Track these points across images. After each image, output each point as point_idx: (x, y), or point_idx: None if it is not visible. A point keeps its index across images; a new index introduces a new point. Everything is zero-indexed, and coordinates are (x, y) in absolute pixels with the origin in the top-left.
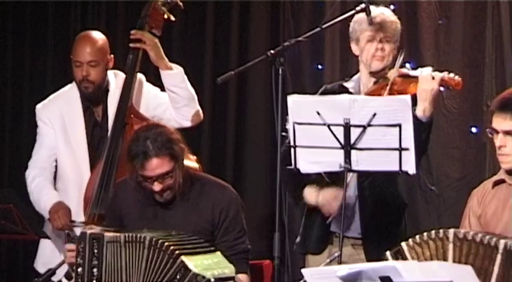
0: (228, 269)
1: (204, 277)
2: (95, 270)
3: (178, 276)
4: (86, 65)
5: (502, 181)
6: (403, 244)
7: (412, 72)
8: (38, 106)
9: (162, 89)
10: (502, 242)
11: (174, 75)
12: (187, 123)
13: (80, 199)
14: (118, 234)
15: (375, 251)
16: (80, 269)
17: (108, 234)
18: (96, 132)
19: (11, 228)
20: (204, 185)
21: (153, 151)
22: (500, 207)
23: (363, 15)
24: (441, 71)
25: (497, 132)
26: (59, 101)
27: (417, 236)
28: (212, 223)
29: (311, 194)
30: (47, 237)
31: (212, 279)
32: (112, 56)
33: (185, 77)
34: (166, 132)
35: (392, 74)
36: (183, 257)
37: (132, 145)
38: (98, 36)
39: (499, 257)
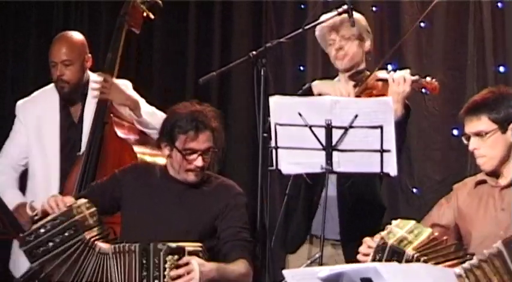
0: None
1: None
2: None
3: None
4: (60, 64)
5: (484, 181)
6: None
7: (389, 76)
8: (19, 103)
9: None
10: (499, 242)
11: (139, 123)
12: None
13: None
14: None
15: (353, 253)
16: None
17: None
18: (71, 133)
19: None
20: (214, 182)
21: (208, 124)
22: (479, 206)
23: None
24: (420, 76)
25: (469, 136)
26: (38, 100)
27: None
28: (216, 217)
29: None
30: None
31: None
32: (90, 55)
33: (152, 116)
34: (213, 111)
35: (371, 79)
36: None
37: (184, 117)
38: (74, 36)
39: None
